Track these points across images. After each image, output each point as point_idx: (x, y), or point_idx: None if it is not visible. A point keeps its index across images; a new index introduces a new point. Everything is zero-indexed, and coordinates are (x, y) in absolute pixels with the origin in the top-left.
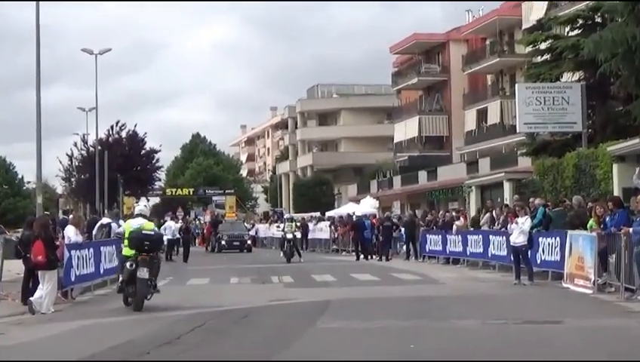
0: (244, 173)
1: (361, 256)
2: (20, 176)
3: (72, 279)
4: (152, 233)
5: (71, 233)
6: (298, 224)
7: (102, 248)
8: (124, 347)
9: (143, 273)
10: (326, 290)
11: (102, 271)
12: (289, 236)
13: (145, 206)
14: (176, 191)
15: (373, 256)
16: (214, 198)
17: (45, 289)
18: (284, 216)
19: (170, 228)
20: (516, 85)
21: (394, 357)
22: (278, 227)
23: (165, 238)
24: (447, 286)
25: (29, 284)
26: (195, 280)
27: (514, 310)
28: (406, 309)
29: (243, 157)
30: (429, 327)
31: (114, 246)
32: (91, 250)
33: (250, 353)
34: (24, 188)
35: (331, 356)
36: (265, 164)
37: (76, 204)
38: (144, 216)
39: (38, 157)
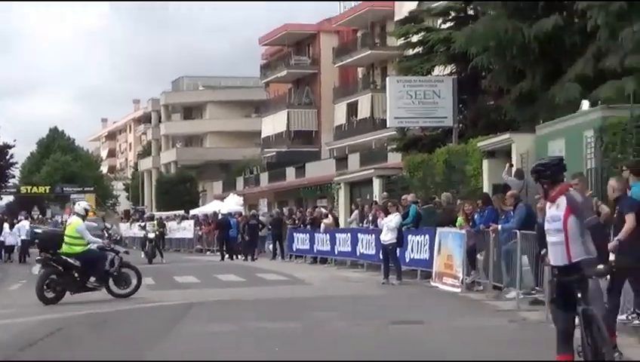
0: (104, 169)
1: (226, 256)
2: None
3: None
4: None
5: None
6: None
7: None
8: None
9: None
10: (189, 292)
11: None
12: (151, 236)
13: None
14: (31, 189)
15: (239, 256)
16: (72, 196)
17: None
18: (145, 215)
19: (24, 228)
20: (387, 78)
21: (258, 359)
22: (140, 226)
23: (18, 239)
24: (314, 287)
25: None
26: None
27: (382, 310)
28: (272, 311)
29: (104, 153)
30: (295, 329)
31: None
32: None
33: (107, 357)
34: None
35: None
36: (127, 160)
37: None
38: None
39: None
